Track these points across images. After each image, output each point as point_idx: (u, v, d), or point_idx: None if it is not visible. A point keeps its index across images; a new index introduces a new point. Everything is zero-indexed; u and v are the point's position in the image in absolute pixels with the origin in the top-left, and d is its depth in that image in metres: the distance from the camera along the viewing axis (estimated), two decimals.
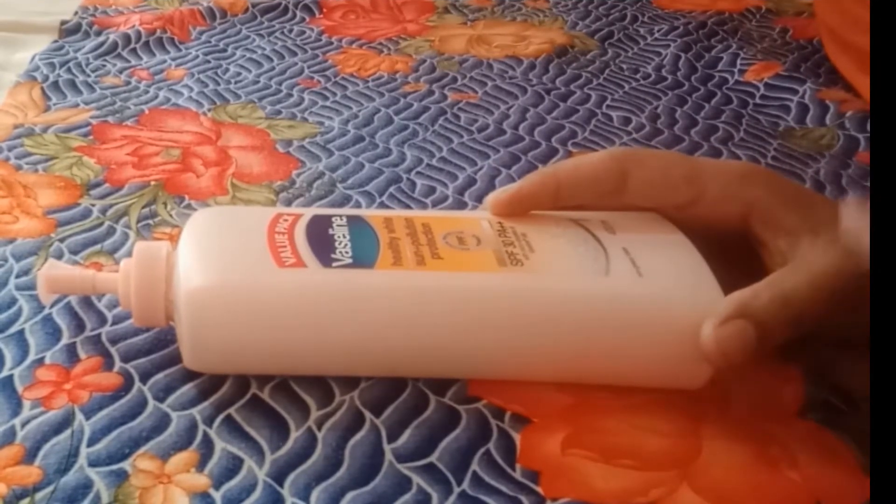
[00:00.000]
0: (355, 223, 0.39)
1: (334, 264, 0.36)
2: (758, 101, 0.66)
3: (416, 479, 0.34)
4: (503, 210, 0.40)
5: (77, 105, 0.62)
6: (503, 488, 0.33)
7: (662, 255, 0.38)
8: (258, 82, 0.67)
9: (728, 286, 0.37)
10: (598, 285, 0.37)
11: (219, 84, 0.66)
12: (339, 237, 0.37)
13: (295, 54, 0.73)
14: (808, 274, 0.36)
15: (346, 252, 0.37)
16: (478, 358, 0.37)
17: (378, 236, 0.38)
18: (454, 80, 0.68)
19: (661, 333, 0.36)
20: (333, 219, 0.39)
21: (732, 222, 0.39)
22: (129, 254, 0.45)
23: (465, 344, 0.37)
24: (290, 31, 0.78)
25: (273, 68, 0.70)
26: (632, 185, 0.40)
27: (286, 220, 0.38)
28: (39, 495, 0.33)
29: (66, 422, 0.36)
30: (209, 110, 0.62)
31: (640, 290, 0.37)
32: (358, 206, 0.51)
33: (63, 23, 0.76)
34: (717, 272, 0.38)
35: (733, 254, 0.39)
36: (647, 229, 0.40)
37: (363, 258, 0.36)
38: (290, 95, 0.65)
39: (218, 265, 0.37)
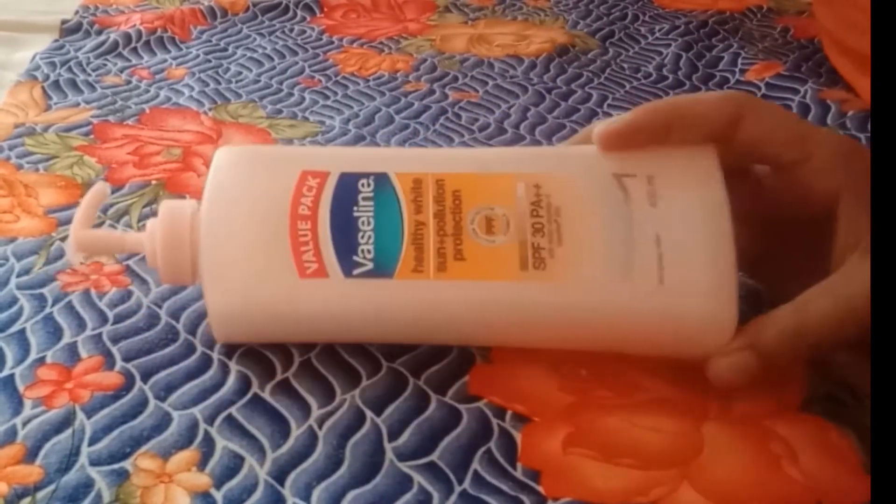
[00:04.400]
0: (382, 192, 0.38)
1: (355, 272, 0.36)
2: None
3: (417, 478, 0.34)
4: (612, 143, 0.39)
5: (78, 104, 0.62)
6: (504, 487, 0.33)
7: (692, 254, 0.37)
8: (259, 81, 0.67)
9: (795, 261, 0.38)
10: (614, 294, 0.37)
11: (220, 83, 0.66)
12: (363, 222, 0.37)
13: (296, 53, 0.73)
14: (838, 301, 0.36)
15: (369, 252, 0.37)
16: None
17: (403, 220, 0.37)
18: (455, 79, 0.68)
19: (669, 342, 0.37)
20: (360, 186, 0.38)
21: (827, 194, 0.38)
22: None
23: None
24: (291, 30, 0.78)
25: (274, 67, 0.70)
26: (742, 132, 0.39)
27: (309, 192, 0.38)
28: (40, 494, 0.33)
29: (67, 421, 0.36)
30: (210, 109, 0.62)
31: (656, 301, 0.37)
32: None
33: (64, 22, 0.76)
34: (789, 244, 0.38)
35: (814, 228, 0.39)
36: (693, 208, 0.37)
37: (384, 262, 0.36)
38: (291, 95, 0.65)
39: (241, 278, 0.37)
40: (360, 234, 0.37)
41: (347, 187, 0.38)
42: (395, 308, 0.37)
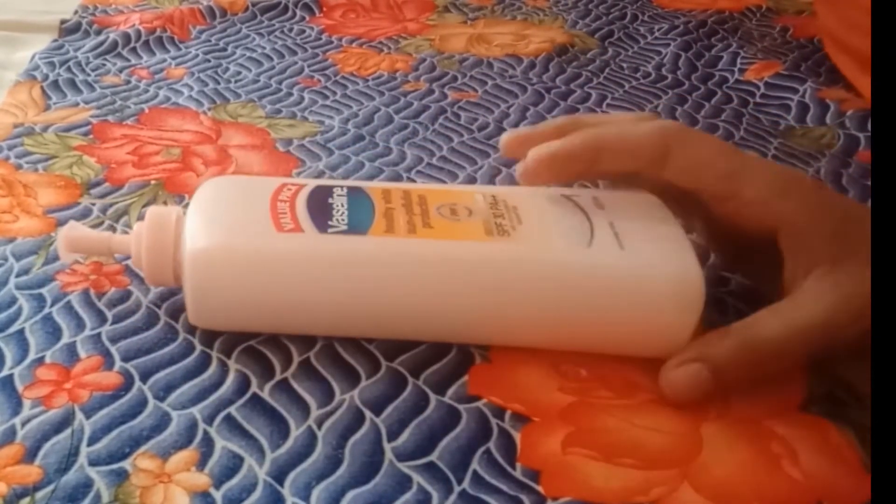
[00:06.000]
0: (355, 193, 0.41)
1: (330, 230, 0.38)
2: (758, 100, 0.66)
3: (417, 478, 0.34)
4: (540, 168, 0.41)
5: (77, 104, 0.62)
6: (504, 487, 0.33)
7: (647, 233, 0.39)
8: (258, 81, 0.67)
9: (752, 287, 0.38)
10: (578, 255, 0.38)
11: (219, 83, 0.66)
12: (337, 206, 0.39)
13: (295, 53, 0.73)
14: (788, 323, 0.37)
15: (343, 220, 0.39)
16: (462, 322, 0.39)
17: (374, 206, 0.40)
18: (454, 78, 0.68)
19: (639, 304, 0.38)
20: (335, 189, 0.41)
21: (763, 228, 0.39)
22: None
23: (450, 308, 0.39)
24: (290, 30, 0.78)
25: (273, 67, 0.70)
26: (671, 164, 0.40)
27: (289, 190, 0.40)
28: (40, 494, 0.33)
29: (66, 421, 0.36)
30: (209, 109, 0.62)
31: (620, 261, 0.38)
32: None
33: (63, 22, 0.76)
34: (741, 269, 0.39)
35: (764, 256, 0.39)
36: (638, 209, 0.41)
37: (358, 225, 0.38)
38: (291, 94, 0.65)
39: (221, 228, 0.39)
40: (335, 211, 0.39)
41: (322, 191, 0.41)
42: (367, 262, 0.38)
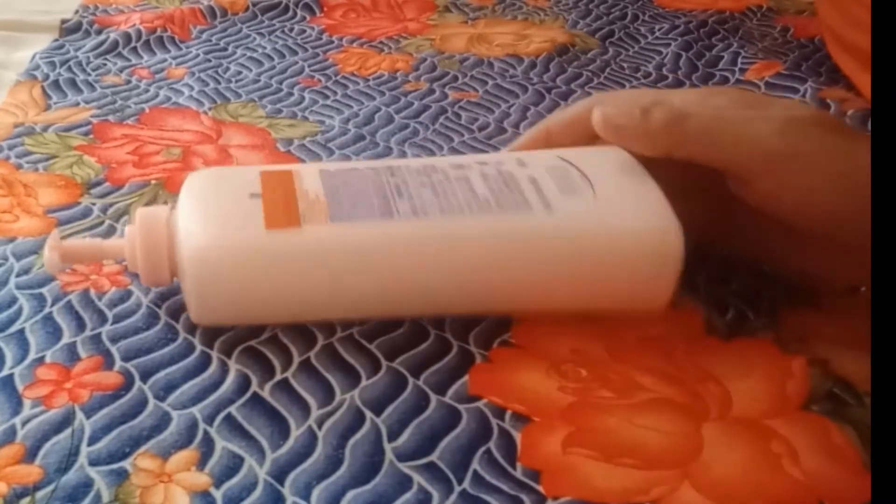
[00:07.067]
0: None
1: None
2: None
3: (417, 478, 0.34)
4: None
5: (77, 104, 0.62)
6: (504, 487, 0.33)
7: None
8: (259, 81, 0.67)
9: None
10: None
11: (219, 83, 0.66)
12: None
13: (295, 53, 0.73)
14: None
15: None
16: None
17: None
18: (455, 78, 0.68)
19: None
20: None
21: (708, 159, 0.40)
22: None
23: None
24: (291, 29, 0.78)
25: (274, 67, 0.70)
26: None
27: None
28: (40, 494, 0.33)
29: (66, 421, 0.36)
30: (210, 109, 0.62)
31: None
32: None
33: (63, 21, 0.76)
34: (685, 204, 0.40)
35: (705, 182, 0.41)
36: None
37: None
38: (291, 94, 0.65)
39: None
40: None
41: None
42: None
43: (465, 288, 0.40)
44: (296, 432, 0.35)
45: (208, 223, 0.39)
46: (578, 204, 0.39)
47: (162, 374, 0.38)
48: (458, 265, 0.39)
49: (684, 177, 0.40)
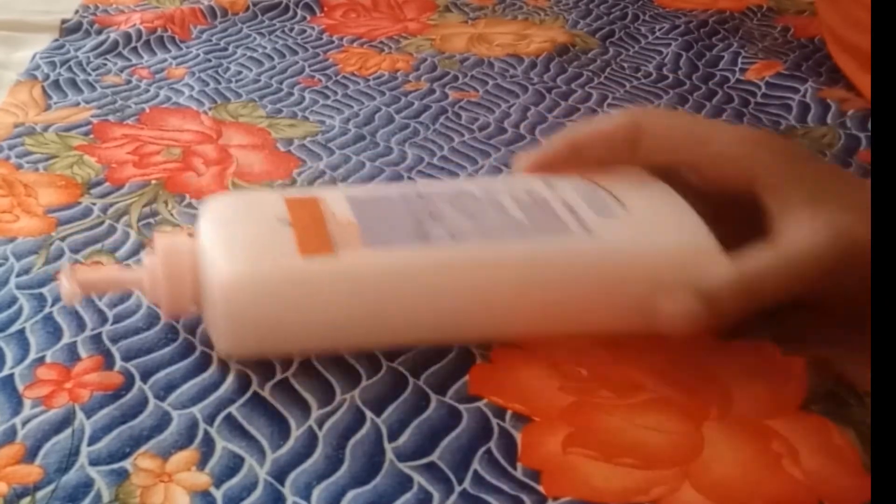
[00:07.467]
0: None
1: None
2: (759, 99, 0.66)
3: (417, 478, 0.34)
4: (531, 171, 0.43)
5: (78, 104, 0.62)
6: (504, 487, 0.33)
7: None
8: (259, 81, 0.67)
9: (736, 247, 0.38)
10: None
11: (219, 83, 0.66)
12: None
13: (296, 53, 0.73)
14: (777, 254, 0.37)
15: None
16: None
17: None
18: (455, 78, 0.68)
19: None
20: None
21: (740, 184, 0.40)
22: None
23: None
24: (291, 29, 0.78)
25: (274, 67, 0.70)
26: (645, 144, 0.41)
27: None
28: (40, 494, 0.33)
29: (66, 421, 0.36)
30: (210, 109, 0.62)
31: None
32: None
33: (64, 21, 0.76)
34: (726, 232, 0.39)
35: (747, 215, 0.40)
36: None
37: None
38: (291, 94, 0.65)
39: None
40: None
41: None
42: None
43: (504, 312, 0.39)
44: (296, 432, 0.35)
45: (239, 250, 0.37)
46: (615, 224, 0.39)
47: (162, 373, 0.38)
48: (499, 289, 0.38)
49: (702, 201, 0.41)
